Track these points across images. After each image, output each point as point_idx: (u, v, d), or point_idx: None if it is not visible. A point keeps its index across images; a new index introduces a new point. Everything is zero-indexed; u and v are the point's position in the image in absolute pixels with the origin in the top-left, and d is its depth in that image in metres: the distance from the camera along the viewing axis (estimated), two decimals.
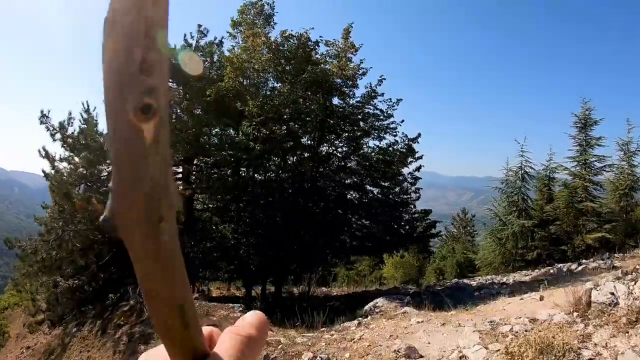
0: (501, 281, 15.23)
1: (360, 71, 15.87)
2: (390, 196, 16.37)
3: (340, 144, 16.86)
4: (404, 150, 15.85)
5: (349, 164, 16.07)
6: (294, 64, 14.93)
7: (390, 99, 16.17)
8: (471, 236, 40.45)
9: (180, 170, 14.54)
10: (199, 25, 15.94)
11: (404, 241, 16.98)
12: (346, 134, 16.48)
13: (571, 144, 23.50)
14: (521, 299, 8.72)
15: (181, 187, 12.52)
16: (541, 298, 8.16)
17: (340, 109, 16.33)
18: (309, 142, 15.66)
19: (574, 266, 12.80)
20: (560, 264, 15.57)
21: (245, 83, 14.81)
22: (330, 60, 16.03)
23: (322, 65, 15.31)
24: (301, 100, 13.96)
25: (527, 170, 23.76)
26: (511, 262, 22.13)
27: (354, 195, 16.76)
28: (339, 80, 15.94)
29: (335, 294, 18.65)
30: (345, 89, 16.38)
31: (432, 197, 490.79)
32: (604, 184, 23.56)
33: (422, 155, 16.27)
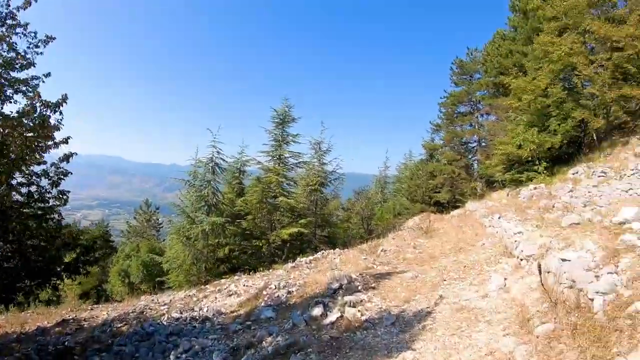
0: (202, 313, 12.61)
1: None
2: (7, 204, 10.09)
3: None
4: (35, 123, 9.89)
5: None
6: None
7: (35, 32, 10.18)
8: (157, 230, 38.21)
9: None
10: None
11: (40, 276, 11.32)
12: None
13: (267, 139, 24.45)
14: None
15: None
16: None
17: None
18: None
19: (316, 311, 9.37)
20: (274, 282, 13.62)
21: None
22: None
23: None
24: None
25: (218, 162, 22.89)
26: (203, 261, 21.61)
27: None
28: None
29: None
30: None
31: (116, 184, 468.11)
32: (297, 180, 25.37)
33: (68, 138, 10.67)
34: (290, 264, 17.45)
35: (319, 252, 19.37)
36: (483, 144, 30.29)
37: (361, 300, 9.41)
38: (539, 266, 7.57)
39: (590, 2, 21.06)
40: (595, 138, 21.94)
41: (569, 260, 7.02)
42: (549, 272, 7.54)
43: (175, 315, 13.03)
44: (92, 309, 16.53)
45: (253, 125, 27.73)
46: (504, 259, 10.18)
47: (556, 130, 21.26)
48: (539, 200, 16.86)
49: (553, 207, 14.60)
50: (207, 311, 12.82)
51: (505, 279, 8.64)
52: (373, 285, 10.70)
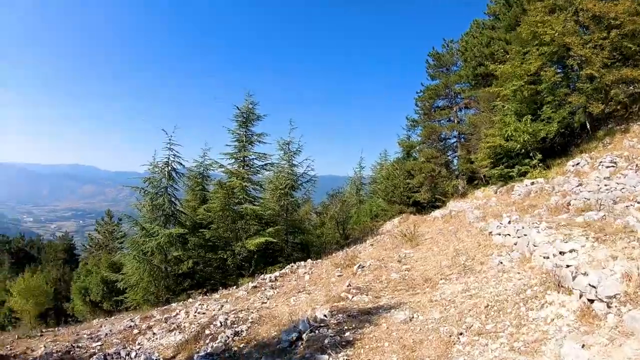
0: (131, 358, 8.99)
1: None
2: None
3: None
4: None
5: None
6: None
7: None
8: (120, 242, 33.75)
9: None
10: None
11: None
12: None
13: (230, 139, 20.99)
14: None
15: None
16: None
17: None
18: None
19: None
20: (220, 317, 10.00)
21: None
22: None
23: None
24: None
25: (175, 167, 19.07)
26: (161, 278, 18.19)
27: None
28: None
29: None
30: None
31: (90, 194, 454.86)
32: (264, 184, 21.56)
33: None
34: (251, 284, 14.13)
35: (287, 266, 16.29)
36: (463, 139, 26.42)
37: None
38: None
39: None
40: (588, 127, 18.20)
41: None
42: None
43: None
44: (41, 335, 13.35)
45: (217, 126, 23.57)
46: (552, 294, 6.06)
47: (551, 117, 17.45)
48: (545, 197, 13.21)
49: (569, 204, 11.01)
50: (136, 356, 9.09)
51: (582, 345, 4.45)
52: (347, 335, 6.64)
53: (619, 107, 17.38)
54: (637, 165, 13.40)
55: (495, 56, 22.51)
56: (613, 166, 14.10)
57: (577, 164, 15.80)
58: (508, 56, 20.78)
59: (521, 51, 19.80)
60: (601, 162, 14.61)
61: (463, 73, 26.17)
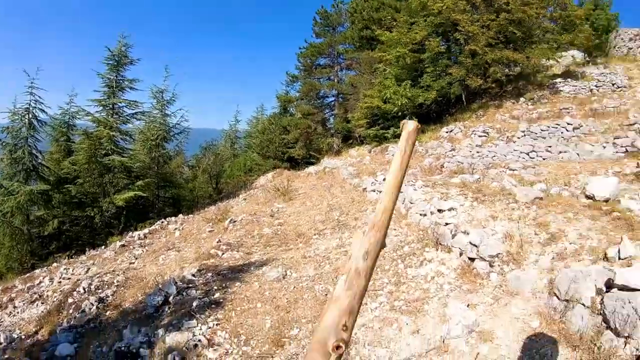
0: None
1: None
2: None
3: None
4: None
5: None
6: None
7: None
8: None
9: None
10: None
11: None
12: None
13: (99, 85, 18.89)
14: None
15: None
16: None
17: None
18: None
19: None
20: (84, 282, 8.88)
21: None
22: None
23: None
24: None
25: (37, 115, 17.62)
26: (24, 242, 16.54)
27: None
28: None
29: None
30: None
31: None
32: (134, 134, 20.62)
33: None
34: (120, 243, 13.06)
35: (158, 222, 15.22)
36: (341, 98, 26.49)
37: (195, 345, 4.39)
38: None
39: None
40: (464, 98, 19.02)
41: None
42: (568, 303, 3.21)
43: None
44: None
45: (86, 70, 20.60)
46: (430, 251, 5.79)
47: (430, 85, 17.92)
48: (419, 159, 13.62)
49: (442, 167, 11.31)
50: None
51: (467, 305, 4.12)
52: (217, 297, 5.95)
53: (494, 85, 18.22)
54: (507, 137, 14.14)
55: (383, 22, 22.56)
56: (485, 136, 14.76)
57: (451, 131, 16.37)
58: (396, 23, 20.81)
59: (409, 20, 19.94)
60: (474, 131, 15.23)
61: (349, 34, 26.11)
